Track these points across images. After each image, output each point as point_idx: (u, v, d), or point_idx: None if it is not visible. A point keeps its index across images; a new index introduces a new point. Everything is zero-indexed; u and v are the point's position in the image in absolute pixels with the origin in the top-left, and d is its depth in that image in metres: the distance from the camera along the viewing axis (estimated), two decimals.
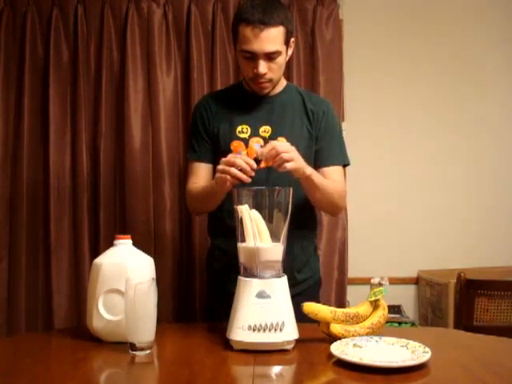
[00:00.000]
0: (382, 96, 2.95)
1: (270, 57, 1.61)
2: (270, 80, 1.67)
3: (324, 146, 1.75)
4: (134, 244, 1.45)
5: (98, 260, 1.41)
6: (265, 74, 1.63)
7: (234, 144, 1.70)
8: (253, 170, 1.46)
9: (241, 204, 1.35)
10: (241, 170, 1.46)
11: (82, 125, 2.63)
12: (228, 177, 1.46)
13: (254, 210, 1.35)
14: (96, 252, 2.52)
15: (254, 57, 1.61)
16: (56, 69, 2.65)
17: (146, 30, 2.67)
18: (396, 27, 2.96)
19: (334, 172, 1.74)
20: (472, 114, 2.98)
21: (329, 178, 1.71)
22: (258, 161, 1.50)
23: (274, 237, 1.36)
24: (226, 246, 1.73)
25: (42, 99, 2.66)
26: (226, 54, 2.70)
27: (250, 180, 1.45)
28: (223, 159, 1.50)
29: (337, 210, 1.78)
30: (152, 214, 2.63)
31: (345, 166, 1.82)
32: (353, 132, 2.85)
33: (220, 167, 1.49)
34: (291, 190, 1.39)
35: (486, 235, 2.95)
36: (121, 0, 2.67)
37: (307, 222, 1.77)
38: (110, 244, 1.45)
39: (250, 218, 1.33)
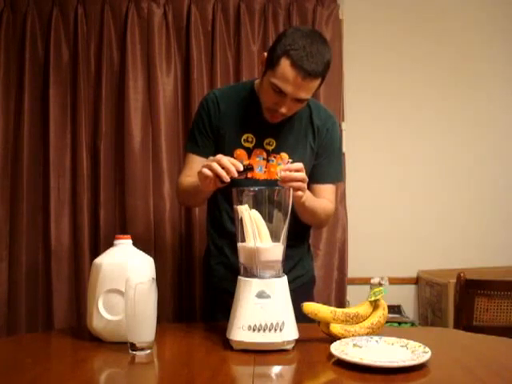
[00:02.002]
0: (382, 96, 2.95)
1: (298, 101, 1.57)
2: (286, 115, 1.62)
3: (322, 163, 1.74)
4: (134, 244, 1.46)
5: (98, 260, 1.41)
6: (285, 113, 1.59)
7: (237, 152, 1.67)
8: (239, 172, 1.41)
9: (241, 204, 1.35)
10: (225, 170, 1.41)
11: (82, 125, 2.63)
12: (207, 170, 1.41)
13: (253, 210, 1.35)
14: (96, 252, 2.53)
15: (282, 95, 1.54)
16: (56, 69, 2.65)
17: (146, 30, 2.67)
18: (396, 27, 2.96)
19: (326, 190, 1.74)
20: (472, 115, 2.98)
21: (321, 196, 1.71)
22: (249, 168, 1.47)
23: (274, 237, 1.36)
24: (222, 244, 1.74)
25: (42, 99, 2.66)
26: (225, 54, 2.70)
27: (229, 180, 1.40)
28: (210, 157, 1.46)
29: (321, 227, 1.81)
30: (152, 214, 2.63)
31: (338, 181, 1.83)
32: (353, 132, 2.86)
33: (204, 163, 1.46)
34: (291, 190, 1.40)
35: (486, 235, 2.95)
36: (121, 0, 2.67)
37: (299, 223, 1.76)
38: (110, 244, 1.45)
39: (250, 218, 1.33)
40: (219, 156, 1.44)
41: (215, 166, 1.41)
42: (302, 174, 1.45)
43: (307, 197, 1.56)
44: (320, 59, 1.50)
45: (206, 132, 1.73)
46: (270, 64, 1.55)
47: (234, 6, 2.71)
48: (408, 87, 2.96)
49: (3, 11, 2.65)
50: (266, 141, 1.68)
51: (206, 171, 1.42)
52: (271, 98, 1.57)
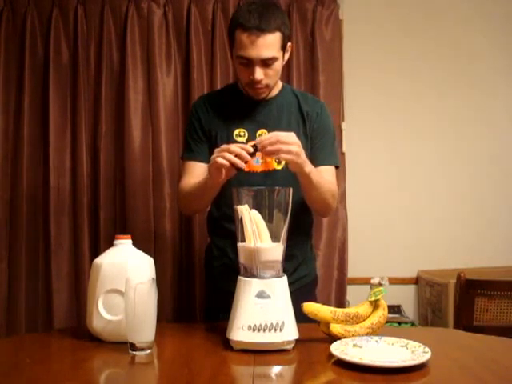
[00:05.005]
0: (382, 96, 2.95)
1: (267, 63, 1.60)
2: (267, 86, 1.66)
3: (317, 145, 1.75)
4: (134, 244, 1.45)
5: (98, 260, 1.41)
6: (261, 80, 1.62)
7: None
8: (249, 154, 1.44)
9: (241, 204, 1.35)
10: (236, 157, 1.44)
11: (82, 125, 2.63)
12: (221, 160, 1.43)
13: (253, 210, 1.35)
14: (96, 252, 2.53)
15: (250, 63, 1.60)
16: (56, 69, 2.65)
17: (146, 30, 2.68)
18: (396, 27, 2.96)
19: (326, 172, 1.72)
20: (472, 114, 2.98)
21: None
22: (254, 150, 1.47)
23: (274, 237, 1.36)
24: (224, 245, 1.73)
25: (42, 99, 2.66)
26: (225, 54, 2.70)
27: (245, 166, 1.44)
28: (216, 149, 1.48)
29: (328, 210, 1.76)
30: (152, 214, 2.63)
31: (335, 167, 1.81)
32: (353, 132, 2.86)
33: (214, 155, 1.47)
34: (291, 190, 1.39)
35: (486, 235, 2.95)
36: (121, 0, 2.67)
37: (302, 222, 1.76)
38: (110, 244, 1.45)
39: (250, 218, 1.33)
40: (226, 145, 1.46)
41: (228, 155, 1.43)
42: (281, 138, 1.45)
43: (311, 169, 1.56)
44: (269, 15, 1.57)
45: (199, 138, 1.75)
46: (231, 44, 1.64)
47: (233, 6, 2.70)
48: (408, 87, 2.96)
49: (3, 11, 2.65)
50: (259, 132, 1.70)
51: (221, 160, 1.43)
52: (244, 72, 1.63)
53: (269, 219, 1.36)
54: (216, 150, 1.48)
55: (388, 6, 2.96)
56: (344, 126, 2.81)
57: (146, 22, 2.68)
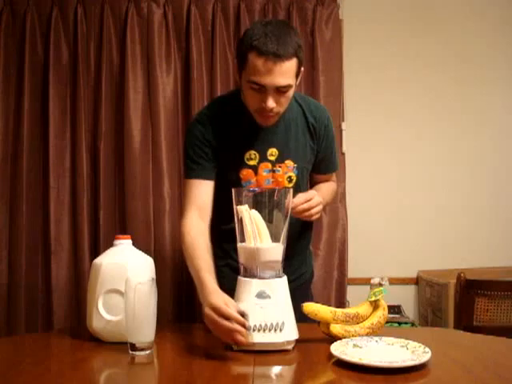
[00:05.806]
0: (382, 96, 2.94)
1: (281, 90, 1.48)
2: (277, 113, 1.56)
3: (325, 157, 1.77)
4: (134, 244, 1.45)
5: (98, 260, 1.41)
6: (273, 108, 1.51)
7: (244, 173, 1.62)
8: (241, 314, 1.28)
9: (241, 204, 1.35)
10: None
11: (82, 125, 2.63)
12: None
13: (253, 210, 1.35)
14: (96, 252, 2.53)
15: (262, 89, 1.47)
16: (56, 69, 2.65)
17: (145, 30, 2.67)
18: (396, 27, 2.96)
19: (331, 176, 1.86)
20: (472, 114, 2.98)
21: (326, 181, 1.83)
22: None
23: (274, 237, 1.36)
24: (228, 246, 1.72)
25: (42, 100, 2.66)
26: (225, 53, 2.70)
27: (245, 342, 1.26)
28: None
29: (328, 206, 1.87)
30: (152, 214, 2.63)
31: None
32: (352, 132, 2.86)
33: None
34: (291, 190, 1.39)
35: (486, 235, 2.95)
36: (121, 0, 2.67)
37: (302, 222, 1.75)
38: (110, 244, 1.45)
39: (250, 218, 1.33)
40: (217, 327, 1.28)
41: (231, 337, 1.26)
42: (313, 203, 1.53)
43: (323, 198, 1.63)
44: (286, 39, 1.45)
45: (201, 156, 1.63)
46: (241, 65, 1.51)
47: (233, 5, 2.71)
48: (408, 87, 2.95)
49: (3, 11, 2.65)
50: (269, 152, 1.64)
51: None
52: (254, 98, 1.51)
53: (269, 219, 1.36)
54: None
55: (388, 6, 2.96)
56: (344, 126, 2.81)
57: (145, 21, 2.67)
